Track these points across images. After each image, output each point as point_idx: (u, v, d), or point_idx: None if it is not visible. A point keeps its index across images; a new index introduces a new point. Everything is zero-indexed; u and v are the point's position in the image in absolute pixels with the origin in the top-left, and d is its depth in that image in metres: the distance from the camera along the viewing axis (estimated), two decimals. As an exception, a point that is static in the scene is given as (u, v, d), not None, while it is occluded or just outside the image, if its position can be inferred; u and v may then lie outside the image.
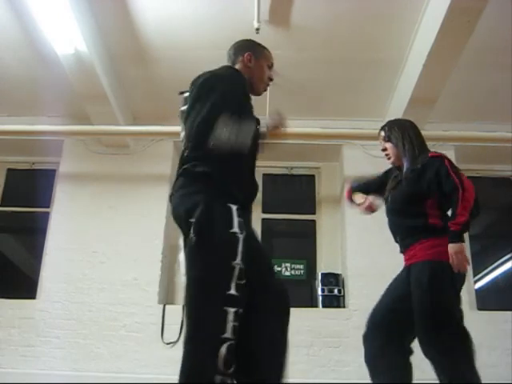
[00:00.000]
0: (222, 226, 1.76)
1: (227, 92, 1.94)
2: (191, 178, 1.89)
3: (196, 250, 1.75)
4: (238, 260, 1.72)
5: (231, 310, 1.66)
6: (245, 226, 1.81)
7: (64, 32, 3.75)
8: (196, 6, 3.86)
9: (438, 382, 2.23)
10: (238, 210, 1.80)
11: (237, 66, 2.18)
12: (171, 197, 1.95)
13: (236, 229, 1.76)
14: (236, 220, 1.78)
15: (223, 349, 1.61)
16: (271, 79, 2.25)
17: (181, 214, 1.85)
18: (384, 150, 2.62)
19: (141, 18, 3.98)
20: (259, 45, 2.29)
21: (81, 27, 3.77)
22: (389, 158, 2.62)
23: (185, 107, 2.07)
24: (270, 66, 2.26)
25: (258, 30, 3.78)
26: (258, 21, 3.77)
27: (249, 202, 2.00)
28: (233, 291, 1.68)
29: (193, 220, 1.76)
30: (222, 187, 1.84)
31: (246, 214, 1.88)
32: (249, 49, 2.22)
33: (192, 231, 1.75)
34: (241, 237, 1.76)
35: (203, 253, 1.74)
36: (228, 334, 1.63)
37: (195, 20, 3.97)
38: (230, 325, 1.64)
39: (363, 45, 4.18)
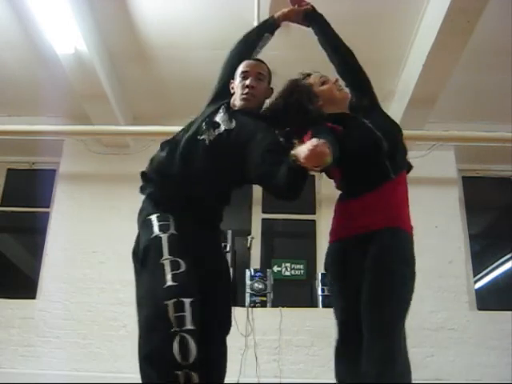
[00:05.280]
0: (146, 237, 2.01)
1: None
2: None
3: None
4: (166, 255, 1.86)
5: (170, 303, 1.75)
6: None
7: (64, 32, 3.75)
8: (196, 5, 3.86)
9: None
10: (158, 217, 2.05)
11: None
12: None
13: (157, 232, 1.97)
14: (156, 225, 2.02)
15: (176, 341, 1.73)
16: (246, 86, 2.16)
17: None
18: None
19: (141, 18, 3.98)
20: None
21: (81, 27, 3.77)
22: None
23: None
24: (243, 76, 2.20)
25: (257, 30, 3.78)
26: (258, 21, 3.77)
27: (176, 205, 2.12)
28: (170, 282, 1.79)
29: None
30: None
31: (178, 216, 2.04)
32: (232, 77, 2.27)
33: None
34: (163, 236, 1.94)
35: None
36: (176, 326, 1.75)
37: (195, 20, 3.97)
38: (178, 315, 1.74)
39: (363, 45, 4.12)
